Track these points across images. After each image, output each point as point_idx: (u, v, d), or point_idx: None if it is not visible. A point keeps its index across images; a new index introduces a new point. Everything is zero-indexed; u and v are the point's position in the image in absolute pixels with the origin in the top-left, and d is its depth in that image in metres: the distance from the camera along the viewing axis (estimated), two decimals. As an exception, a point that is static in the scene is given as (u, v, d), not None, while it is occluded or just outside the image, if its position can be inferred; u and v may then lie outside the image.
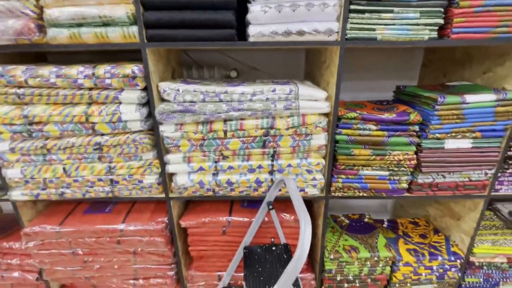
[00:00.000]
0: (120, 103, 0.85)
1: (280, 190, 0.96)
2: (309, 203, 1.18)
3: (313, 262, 1.17)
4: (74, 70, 0.82)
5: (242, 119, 0.87)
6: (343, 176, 0.95)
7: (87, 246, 1.04)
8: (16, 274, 1.13)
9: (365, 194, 0.97)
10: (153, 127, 0.90)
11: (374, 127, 0.89)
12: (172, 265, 1.11)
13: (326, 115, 0.89)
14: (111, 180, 0.95)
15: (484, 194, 0.99)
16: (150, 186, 0.97)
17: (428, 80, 1.27)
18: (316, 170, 0.94)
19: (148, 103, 0.88)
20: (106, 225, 1.02)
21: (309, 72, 1.20)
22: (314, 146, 0.90)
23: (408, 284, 1.12)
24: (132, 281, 1.14)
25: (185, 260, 1.16)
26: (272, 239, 1.07)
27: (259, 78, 1.09)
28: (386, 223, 1.31)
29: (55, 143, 0.89)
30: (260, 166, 0.93)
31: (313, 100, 0.86)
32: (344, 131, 0.89)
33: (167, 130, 0.88)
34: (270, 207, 0.94)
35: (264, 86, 0.86)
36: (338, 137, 0.90)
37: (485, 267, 1.11)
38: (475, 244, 1.08)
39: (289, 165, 0.92)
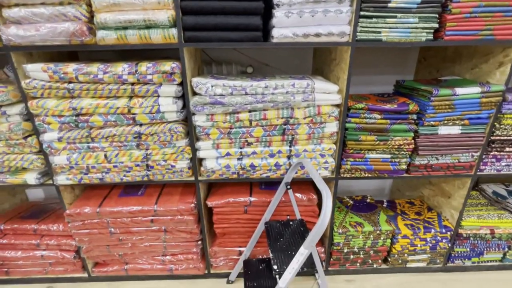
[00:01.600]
0: (159, 96, 0.97)
1: (296, 172, 1.10)
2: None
3: (322, 237, 1.32)
4: (119, 68, 0.93)
5: (265, 110, 1.00)
6: (351, 159, 1.09)
7: (124, 225, 1.16)
8: (54, 253, 1.25)
9: (369, 175, 1.12)
10: (186, 118, 1.02)
11: (378, 116, 1.03)
12: (198, 242, 1.24)
13: (337, 106, 1.03)
14: (147, 165, 1.07)
15: (470, 174, 1.14)
16: (182, 170, 1.10)
17: (423, 75, 1.41)
18: (328, 154, 1.08)
19: (183, 96, 0.99)
20: (141, 206, 1.14)
21: (318, 68, 1.33)
22: (327, 133, 1.04)
23: (406, 255, 1.29)
24: (161, 258, 1.27)
25: (209, 238, 1.29)
26: (288, 216, 1.21)
27: (272, 73, 1.22)
28: (385, 203, 1.46)
29: (98, 132, 1.00)
30: (279, 151, 1.06)
31: (327, 93, 0.99)
32: (353, 119, 1.03)
33: (199, 120, 1.00)
34: (288, 187, 1.07)
35: (284, 80, 0.98)
36: (347, 125, 1.04)
37: (471, 238, 1.27)
38: (463, 218, 1.24)
39: (305, 150, 1.06)
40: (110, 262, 1.30)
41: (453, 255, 1.31)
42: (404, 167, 1.11)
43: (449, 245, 1.27)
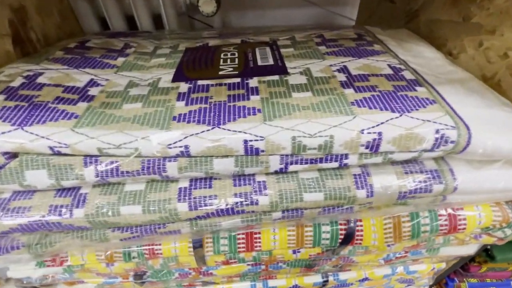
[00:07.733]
0: None
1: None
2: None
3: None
4: None
5: (246, 227, 0.27)
6: (475, 281, 0.44)
7: None
8: None
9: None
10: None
11: None
12: None
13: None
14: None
15: None
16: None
17: None
18: (421, 278, 0.41)
19: None
20: None
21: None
22: (441, 256, 0.35)
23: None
24: None
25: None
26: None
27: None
28: None
29: None
30: (296, 287, 0.39)
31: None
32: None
33: (23, 270, 0.28)
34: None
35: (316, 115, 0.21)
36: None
37: None
38: None
39: (365, 279, 0.39)
40: None
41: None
42: None
43: None
